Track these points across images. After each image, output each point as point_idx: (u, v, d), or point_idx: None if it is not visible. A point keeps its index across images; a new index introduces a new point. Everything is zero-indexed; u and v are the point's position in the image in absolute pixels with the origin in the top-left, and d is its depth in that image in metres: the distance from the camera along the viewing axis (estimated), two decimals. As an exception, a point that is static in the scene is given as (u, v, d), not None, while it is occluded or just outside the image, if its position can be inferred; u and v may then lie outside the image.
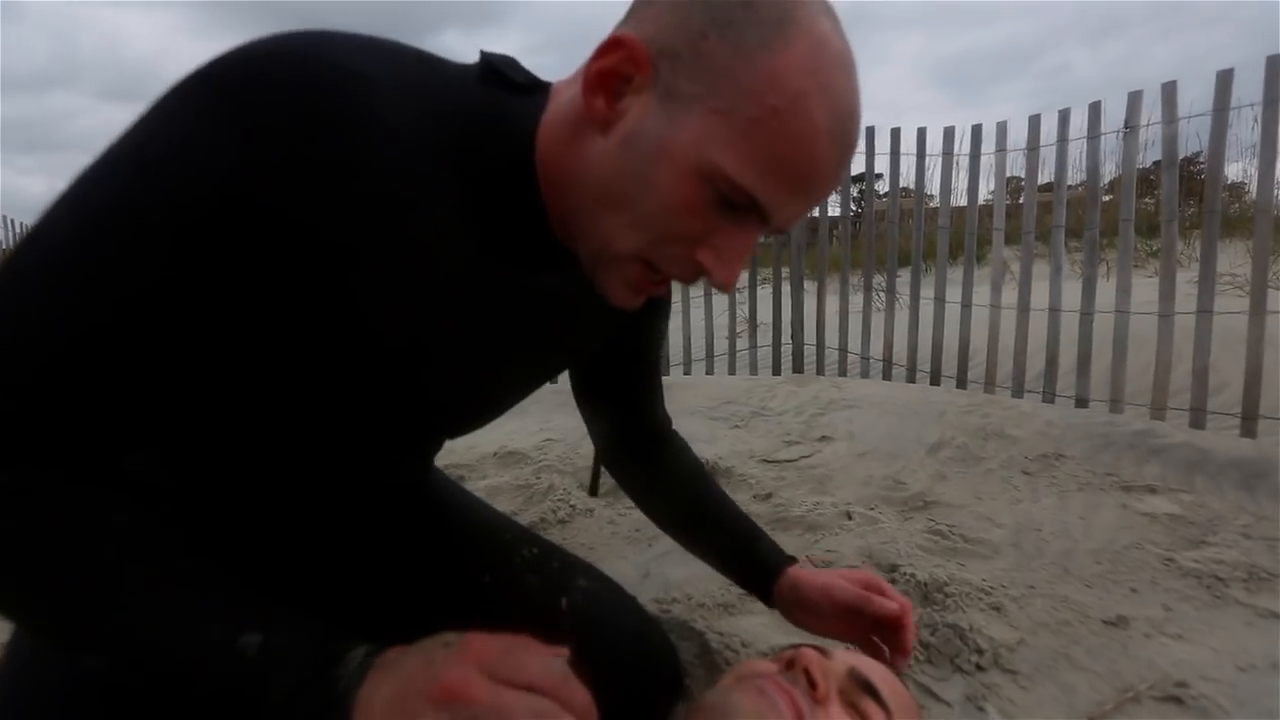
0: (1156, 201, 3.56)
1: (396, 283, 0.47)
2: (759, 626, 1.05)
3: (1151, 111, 2.21)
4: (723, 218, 0.45)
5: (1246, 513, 1.43)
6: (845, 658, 0.59)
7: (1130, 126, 2.25)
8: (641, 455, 0.84)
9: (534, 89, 0.50)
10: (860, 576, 0.73)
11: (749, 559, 0.78)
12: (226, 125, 0.39)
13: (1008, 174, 2.81)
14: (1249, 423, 1.95)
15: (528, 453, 1.92)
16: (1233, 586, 1.17)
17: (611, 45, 0.44)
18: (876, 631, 0.70)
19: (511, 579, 0.74)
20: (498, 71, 0.49)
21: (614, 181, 0.46)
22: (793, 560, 0.78)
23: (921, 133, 2.83)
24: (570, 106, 0.47)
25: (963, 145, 2.74)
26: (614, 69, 0.45)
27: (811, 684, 0.53)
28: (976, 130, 2.69)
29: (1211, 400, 2.12)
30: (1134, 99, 2.23)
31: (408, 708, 0.37)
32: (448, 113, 0.46)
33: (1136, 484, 1.58)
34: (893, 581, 1.13)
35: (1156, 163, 3.11)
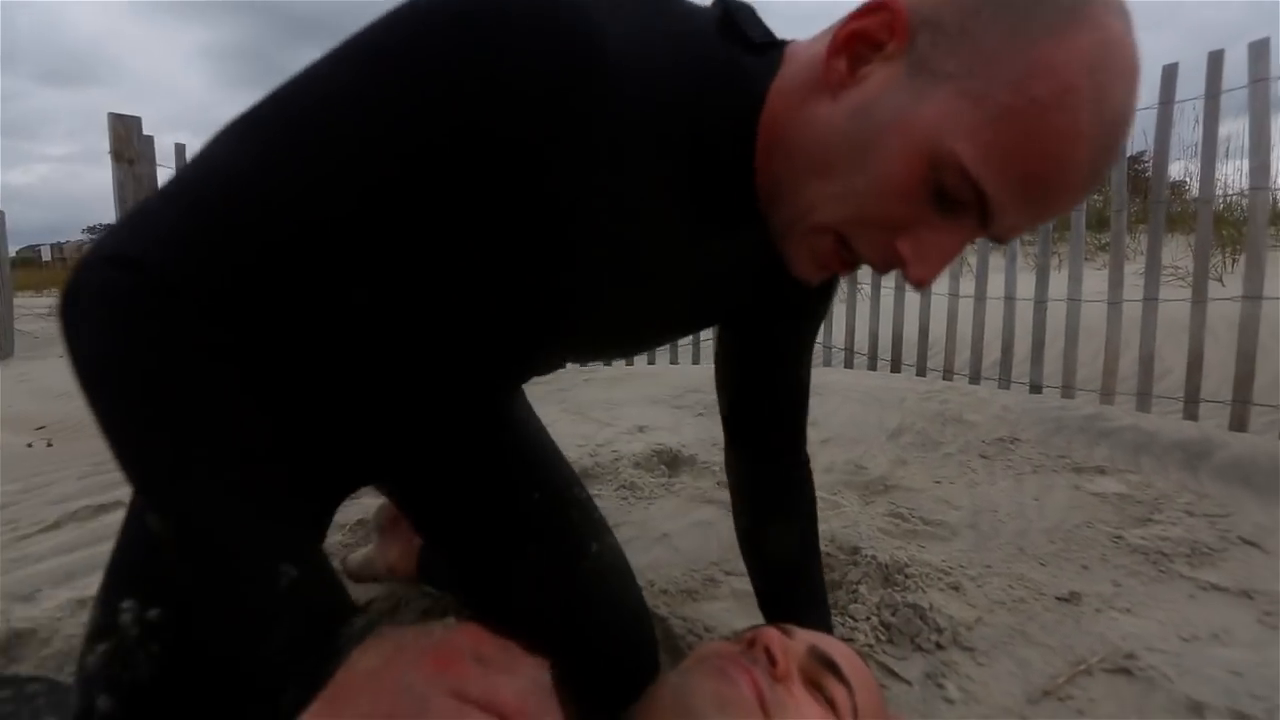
0: (1105, 196, 3.68)
1: (598, 224, 0.47)
2: (722, 611, 1.05)
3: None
4: (937, 210, 0.42)
5: (1189, 491, 1.49)
6: (806, 637, 0.58)
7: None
8: (766, 459, 0.80)
9: (770, 47, 0.48)
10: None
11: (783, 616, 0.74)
12: (481, 52, 0.39)
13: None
14: (1191, 406, 2.03)
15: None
16: (1177, 562, 1.21)
17: (875, 6, 0.42)
18: None
19: (558, 504, 0.78)
20: (735, 25, 0.48)
21: (833, 148, 0.43)
22: None
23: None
24: (806, 70, 0.45)
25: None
26: (868, 32, 0.42)
27: (772, 662, 0.52)
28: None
29: (1157, 385, 2.20)
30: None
31: (365, 690, 0.37)
32: (684, 69, 0.45)
33: (1087, 465, 1.62)
34: (854, 564, 1.14)
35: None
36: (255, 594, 0.40)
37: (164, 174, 2.66)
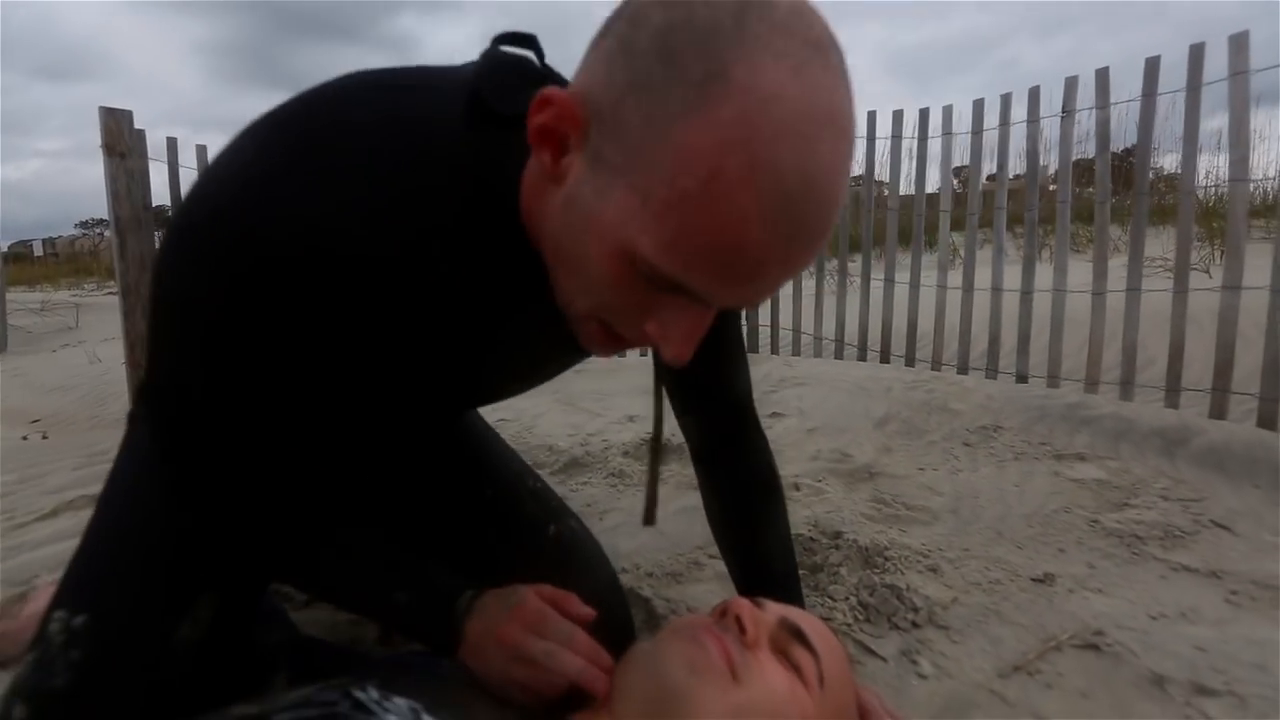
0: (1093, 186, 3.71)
1: (435, 338, 0.55)
2: (705, 593, 1.07)
3: (1088, 97, 2.29)
4: (663, 295, 0.42)
5: (1166, 476, 1.52)
6: (777, 609, 0.61)
7: (1067, 111, 2.33)
8: (719, 434, 0.81)
9: (522, 118, 0.45)
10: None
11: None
12: (232, 286, 0.46)
13: (955, 164, 2.88)
14: (1172, 395, 2.06)
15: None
16: (1150, 544, 1.25)
17: (541, 102, 0.41)
18: None
19: (511, 498, 0.86)
20: (483, 103, 0.47)
21: (561, 243, 0.44)
22: None
23: (871, 116, 2.89)
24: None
25: (910, 130, 2.80)
26: (549, 127, 0.41)
27: (742, 630, 0.55)
28: (924, 114, 2.75)
29: (1141, 375, 2.23)
30: (1070, 84, 2.31)
31: (488, 648, 0.56)
32: (432, 191, 0.47)
33: (1068, 452, 1.66)
34: (836, 548, 1.17)
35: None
36: (386, 613, 0.63)
37: (156, 168, 2.66)
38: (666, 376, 0.75)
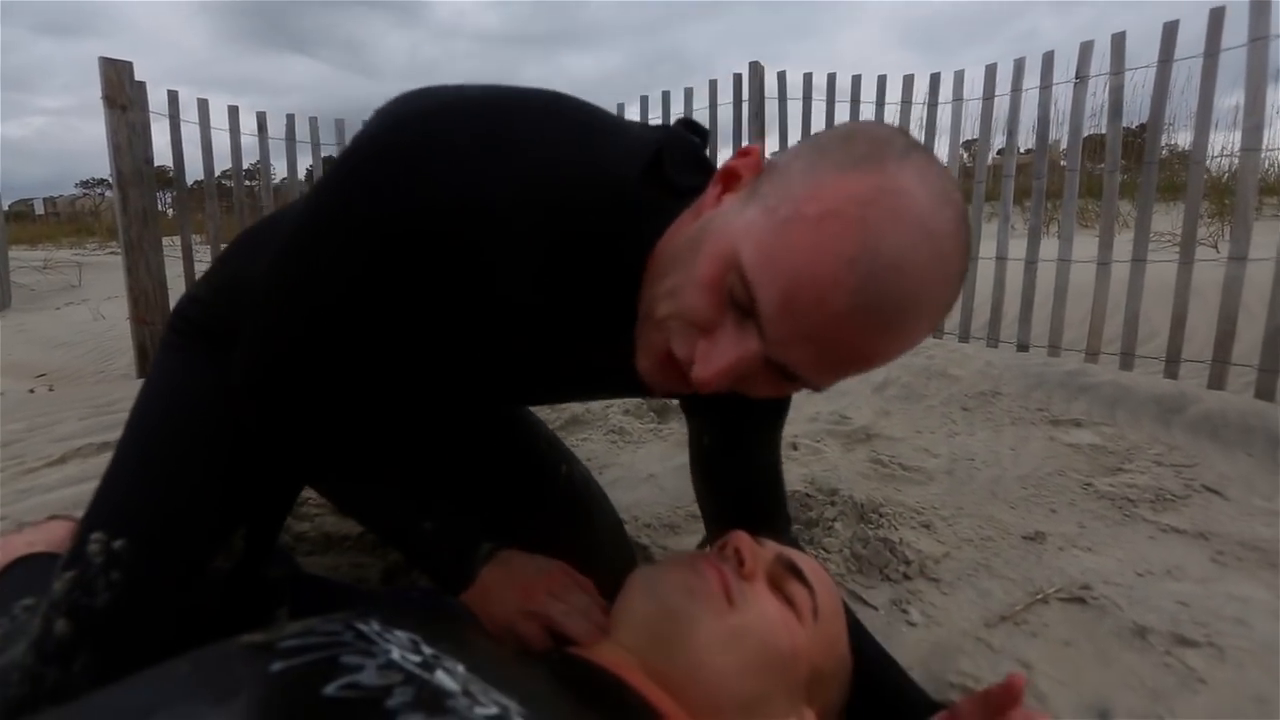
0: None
1: (506, 321, 0.58)
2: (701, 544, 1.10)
3: (1103, 63, 2.25)
4: (733, 317, 0.46)
5: (1160, 443, 1.53)
6: (775, 546, 0.63)
7: (1080, 77, 2.29)
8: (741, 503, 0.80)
9: (695, 191, 0.53)
10: None
11: None
12: (399, 211, 0.50)
13: (965, 136, 2.84)
14: (1172, 365, 2.07)
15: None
16: (1141, 507, 1.27)
17: (743, 152, 0.50)
18: None
19: (529, 440, 0.93)
20: (661, 170, 0.53)
21: (679, 251, 0.50)
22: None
23: (881, 80, 2.84)
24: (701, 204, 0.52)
25: (921, 96, 2.76)
26: (735, 170, 0.49)
27: (740, 561, 0.57)
28: (935, 79, 2.71)
29: (1143, 347, 2.23)
30: (1085, 49, 2.27)
31: (503, 594, 0.62)
32: (593, 213, 0.52)
33: (1064, 418, 1.67)
34: (832, 505, 1.19)
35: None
36: (411, 537, 0.65)
37: (158, 121, 2.64)
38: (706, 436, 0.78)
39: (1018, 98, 2.48)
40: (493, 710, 0.37)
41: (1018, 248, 2.49)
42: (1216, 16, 1.98)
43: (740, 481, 0.79)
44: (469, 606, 0.63)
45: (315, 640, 0.40)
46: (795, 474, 1.37)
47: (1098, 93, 2.36)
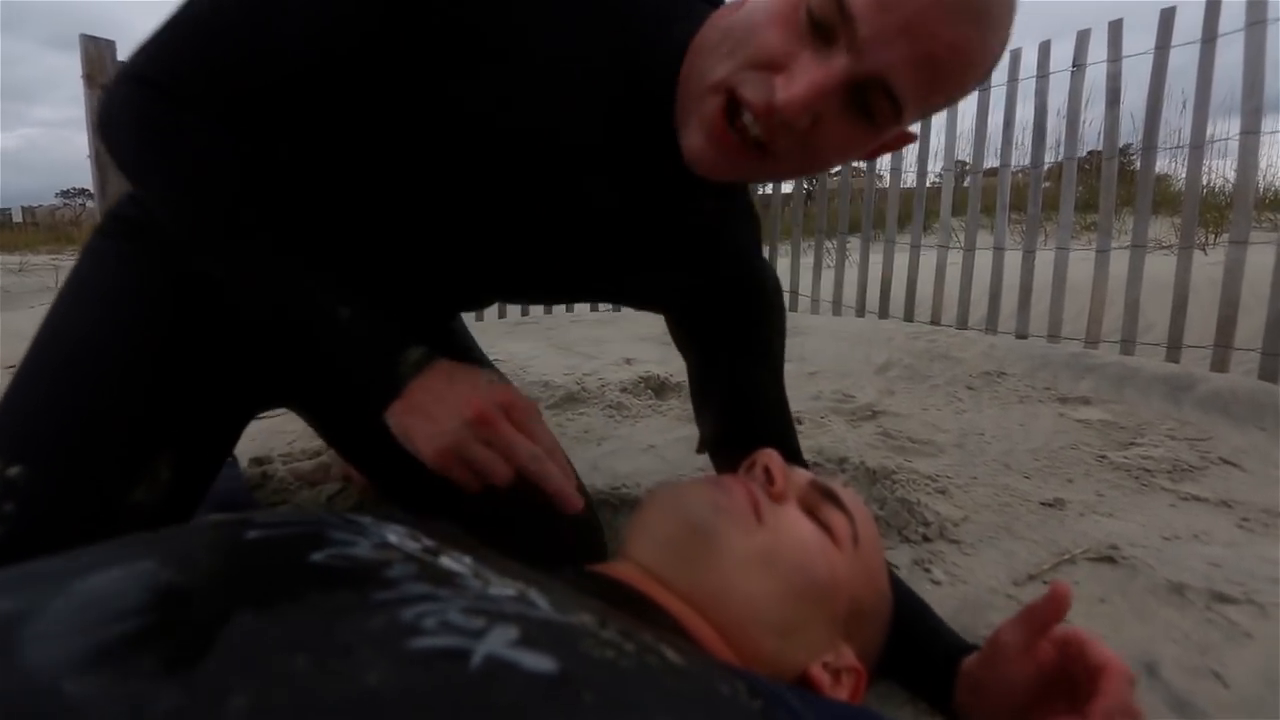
0: (1096, 172, 3.65)
1: (510, 108, 0.53)
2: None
3: (1099, 51, 2.25)
4: (811, 45, 0.46)
5: (1172, 419, 1.50)
6: (807, 474, 0.57)
7: (1078, 65, 2.29)
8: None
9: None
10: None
11: None
12: None
13: (960, 126, 2.83)
14: (1174, 351, 2.05)
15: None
16: (1159, 477, 1.23)
17: None
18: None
19: (466, 353, 0.87)
20: None
21: (727, 24, 0.50)
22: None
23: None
24: None
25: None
26: None
27: (770, 481, 0.51)
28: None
29: (1141, 337, 2.21)
30: (1082, 37, 2.26)
31: (441, 410, 0.49)
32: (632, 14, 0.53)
33: (1072, 396, 1.64)
34: (842, 471, 1.14)
35: (1095, 152, 3.19)
36: (319, 327, 0.50)
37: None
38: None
39: (1014, 87, 2.47)
40: (510, 591, 0.31)
41: (1015, 240, 2.47)
42: (1214, 2, 1.98)
43: (736, 400, 0.73)
44: (393, 429, 0.51)
45: (296, 518, 0.34)
46: (802, 446, 1.31)
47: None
